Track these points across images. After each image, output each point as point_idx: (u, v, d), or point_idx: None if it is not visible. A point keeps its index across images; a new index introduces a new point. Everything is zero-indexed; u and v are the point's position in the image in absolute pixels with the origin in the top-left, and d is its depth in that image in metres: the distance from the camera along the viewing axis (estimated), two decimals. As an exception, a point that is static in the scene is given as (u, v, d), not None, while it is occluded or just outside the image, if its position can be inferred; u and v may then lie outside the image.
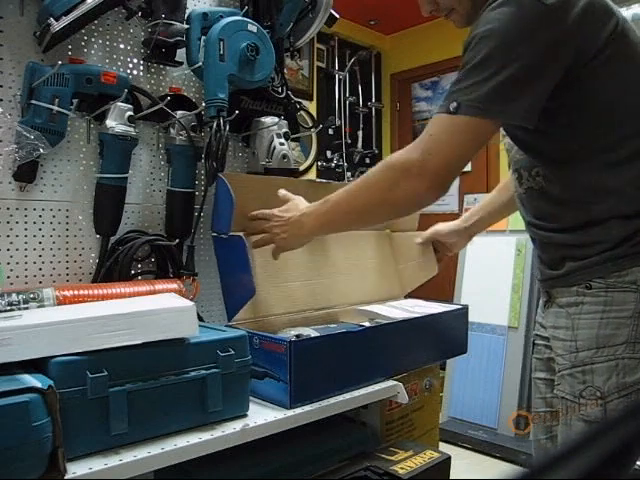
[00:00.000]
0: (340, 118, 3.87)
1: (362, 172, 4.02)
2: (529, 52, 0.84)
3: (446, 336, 1.37)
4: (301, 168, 3.42)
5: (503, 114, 0.87)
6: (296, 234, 1.10)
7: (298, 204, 1.13)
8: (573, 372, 0.94)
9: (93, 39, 1.21)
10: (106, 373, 0.77)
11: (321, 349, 1.04)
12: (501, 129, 1.03)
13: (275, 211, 1.14)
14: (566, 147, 0.92)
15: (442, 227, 1.45)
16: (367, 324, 1.22)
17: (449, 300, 2.79)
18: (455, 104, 0.86)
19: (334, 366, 1.06)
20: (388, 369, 1.19)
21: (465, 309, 1.40)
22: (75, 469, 0.72)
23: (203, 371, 0.87)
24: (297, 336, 1.07)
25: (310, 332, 1.13)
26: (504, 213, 1.39)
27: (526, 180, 1.02)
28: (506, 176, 1.24)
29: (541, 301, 1.10)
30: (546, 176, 0.97)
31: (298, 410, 0.98)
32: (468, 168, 3.76)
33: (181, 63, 1.31)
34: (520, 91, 0.85)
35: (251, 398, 0.98)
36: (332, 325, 1.27)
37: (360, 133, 4.04)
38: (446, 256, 1.51)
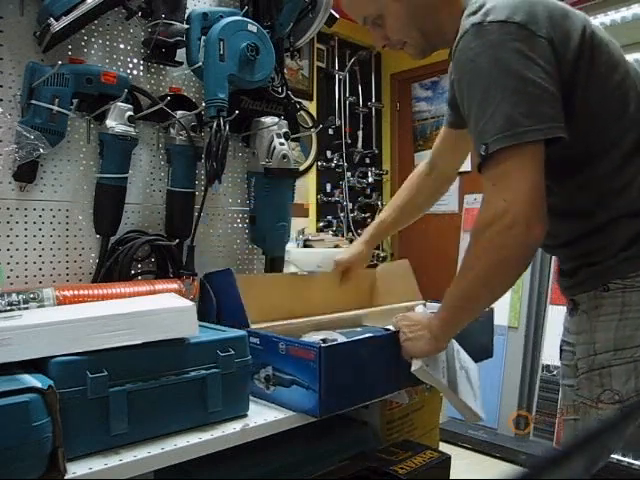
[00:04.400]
0: (340, 118, 3.86)
1: (362, 172, 4.02)
2: (520, 69, 0.83)
3: (472, 340, 1.31)
4: (301, 168, 3.41)
5: (534, 131, 0.83)
6: (423, 337, 1.02)
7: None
8: (591, 375, 0.93)
9: (93, 39, 1.21)
10: (106, 373, 0.77)
11: (351, 354, 0.99)
12: None
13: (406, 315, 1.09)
14: (566, 157, 0.91)
15: (351, 260, 1.36)
16: (392, 328, 1.20)
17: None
18: (484, 147, 0.84)
19: (364, 371, 1.02)
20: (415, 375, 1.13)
21: (490, 313, 1.36)
22: (75, 469, 0.72)
23: (203, 371, 0.87)
24: (323, 340, 1.03)
25: (336, 336, 1.10)
26: (411, 219, 1.38)
27: None
28: None
29: (566, 307, 1.09)
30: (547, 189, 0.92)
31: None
32: (468, 168, 3.75)
33: (181, 63, 1.31)
34: (534, 105, 0.83)
35: (275, 406, 0.98)
36: (357, 329, 1.23)
37: (360, 133, 4.03)
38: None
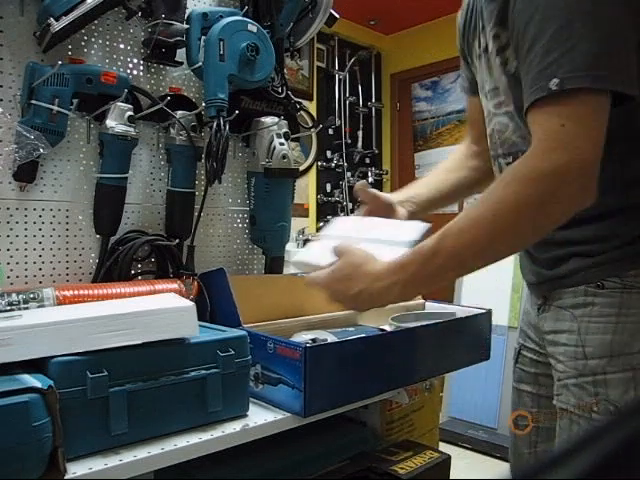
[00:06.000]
0: (340, 118, 3.87)
1: (362, 172, 4.02)
2: (615, 9, 0.71)
3: (470, 342, 1.30)
4: (301, 168, 3.42)
5: (615, 80, 0.70)
6: (378, 301, 0.82)
7: (367, 261, 0.82)
8: (581, 382, 0.83)
9: (93, 39, 1.21)
10: (106, 373, 0.77)
11: (338, 355, 0.98)
12: (487, 101, 0.93)
13: (328, 277, 0.83)
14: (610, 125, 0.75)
15: (379, 193, 1.10)
16: (387, 328, 1.18)
17: (449, 300, 2.80)
18: (556, 81, 0.70)
19: (352, 373, 1.00)
20: (409, 377, 1.13)
21: (489, 313, 1.35)
22: (75, 469, 0.72)
23: (203, 371, 0.87)
24: (313, 340, 1.03)
25: (327, 336, 1.08)
26: (453, 200, 1.15)
27: None
28: None
29: (529, 307, 1.00)
30: None
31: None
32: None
33: (181, 63, 1.31)
34: (622, 53, 0.71)
35: (262, 403, 0.98)
36: (350, 328, 1.23)
37: (360, 133, 4.04)
38: None
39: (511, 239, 0.75)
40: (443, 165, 1.16)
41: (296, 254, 0.89)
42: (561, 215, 0.74)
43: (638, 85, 0.72)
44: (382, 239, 0.90)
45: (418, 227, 0.91)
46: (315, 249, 0.96)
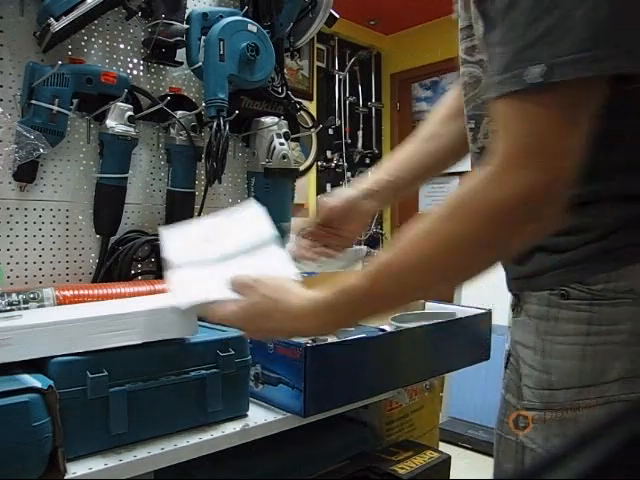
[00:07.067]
0: (340, 118, 3.87)
1: (362, 172, 4.02)
2: None
3: (470, 342, 1.30)
4: (301, 168, 3.42)
5: (625, 59, 0.51)
6: (305, 335, 0.74)
7: (283, 295, 0.69)
8: (547, 419, 0.67)
9: (93, 39, 1.21)
10: (106, 373, 0.77)
11: (338, 355, 0.98)
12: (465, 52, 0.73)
13: (241, 313, 0.70)
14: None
15: (335, 202, 0.93)
16: (387, 328, 1.17)
17: (449, 300, 2.79)
18: (542, 67, 0.52)
19: (352, 373, 1.00)
20: (409, 377, 1.13)
21: (489, 313, 1.34)
22: (75, 469, 0.72)
23: (203, 371, 0.87)
24: (313, 340, 1.02)
25: (327, 336, 1.10)
26: (433, 171, 0.95)
27: (488, 136, 0.72)
28: None
29: (509, 307, 0.85)
30: None
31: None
32: (468, 168, 3.75)
33: (181, 63, 1.31)
34: (628, 19, 0.52)
35: (262, 403, 0.98)
36: (350, 328, 1.23)
37: (360, 133, 4.04)
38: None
39: (450, 279, 0.65)
40: (423, 133, 0.95)
41: (177, 299, 0.75)
42: (514, 251, 0.62)
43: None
44: (244, 248, 0.85)
45: (254, 210, 0.95)
46: (195, 284, 0.78)
